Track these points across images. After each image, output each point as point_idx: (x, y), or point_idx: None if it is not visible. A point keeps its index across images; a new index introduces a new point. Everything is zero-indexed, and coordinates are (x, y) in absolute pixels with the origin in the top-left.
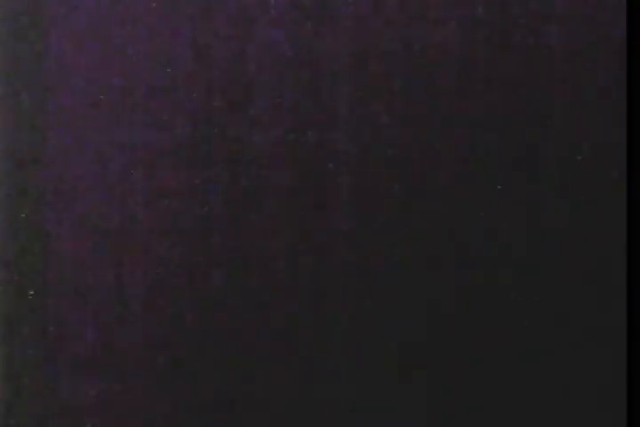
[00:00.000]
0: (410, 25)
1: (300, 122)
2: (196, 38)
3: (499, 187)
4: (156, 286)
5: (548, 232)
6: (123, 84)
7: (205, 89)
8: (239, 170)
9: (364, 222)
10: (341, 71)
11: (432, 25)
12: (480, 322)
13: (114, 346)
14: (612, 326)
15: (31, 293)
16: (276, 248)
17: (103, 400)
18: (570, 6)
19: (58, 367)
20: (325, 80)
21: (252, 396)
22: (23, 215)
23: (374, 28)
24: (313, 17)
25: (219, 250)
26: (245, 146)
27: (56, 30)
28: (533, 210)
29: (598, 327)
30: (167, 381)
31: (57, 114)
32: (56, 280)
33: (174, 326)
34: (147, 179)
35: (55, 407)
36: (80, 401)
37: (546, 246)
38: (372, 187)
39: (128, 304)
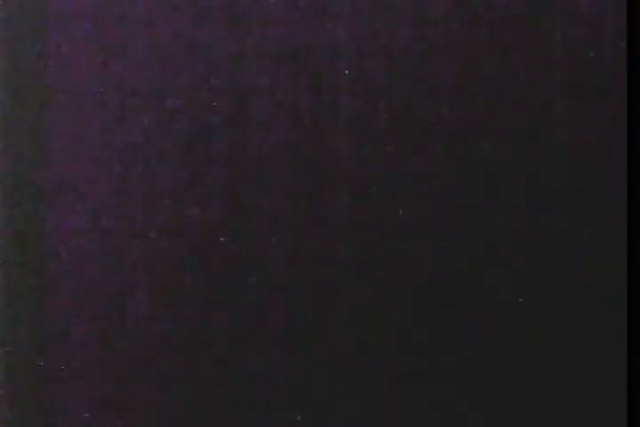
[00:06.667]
0: (410, 25)
1: (300, 122)
2: (196, 38)
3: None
4: (157, 285)
5: (548, 233)
6: (123, 84)
7: (206, 89)
8: (239, 170)
9: (364, 223)
10: (342, 70)
11: (432, 25)
12: (480, 322)
13: (114, 346)
14: (611, 326)
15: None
16: (276, 248)
17: (103, 400)
18: (570, 6)
19: (57, 367)
20: (326, 80)
21: (252, 396)
22: (23, 215)
23: (375, 27)
24: (313, 16)
25: (219, 250)
26: (245, 146)
27: (56, 30)
28: (534, 210)
29: (598, 327)
30: (167, 381)
31: (57, 114)
32: (56, 280)
33: (175, 326)
34: (147, 179)
35: (55, 407)
36: (79, 401)
37: (546, 247)
38: (372, 187)
39: (128, 304)
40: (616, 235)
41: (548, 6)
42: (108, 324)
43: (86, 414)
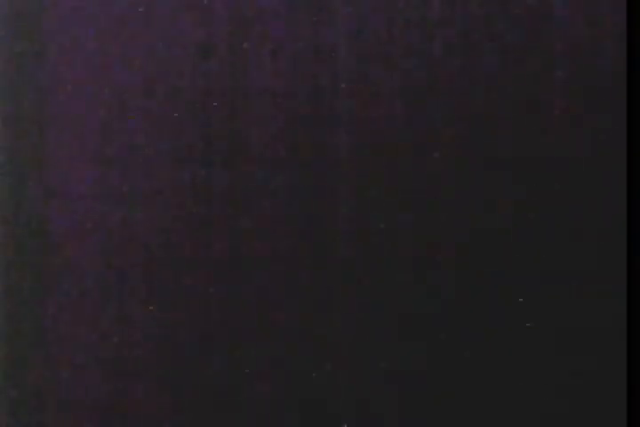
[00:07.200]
0: (410, 25)
1: (300, 122)
2: (195, 39)
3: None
4: (156, 285)
5: (548, 232)
6: (123, 84)
7: (205, 89)
8: (239, 170)
9: (365, 222)
10: (342, 70)
11: (432, 25)
12: (479, 323)
13: (114, 346)
14: (611, 326)
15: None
16: (276, 248)
17: (103, 400)
18: (570, 6)
19: (58, 367)
20: (326, 80)
21: (252, 396)
22: (23, 215)
23: (374, 27)
24: (313, 16)
25: (219, 250)
26: (245, 146)
27: (56, 30)
28: (534, 210)
29: (598, 327)
30: (167, 381)
31: (57, 114)
32: (56, 280)
33: (174, 326)
34: (147, 179)
35: (55, 407)
36: (80, 401)
37: (546, 247)
38: (371, 186)
39: (128, 304)
40: (616, 235)
41: (547, 7)
42: (108, 324)
43: (86, 414)
